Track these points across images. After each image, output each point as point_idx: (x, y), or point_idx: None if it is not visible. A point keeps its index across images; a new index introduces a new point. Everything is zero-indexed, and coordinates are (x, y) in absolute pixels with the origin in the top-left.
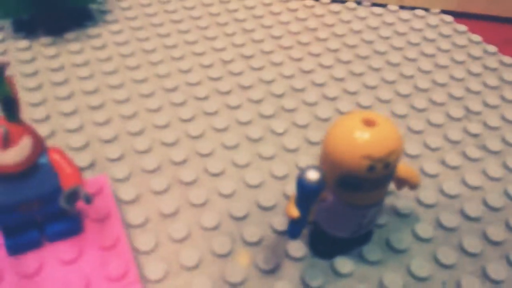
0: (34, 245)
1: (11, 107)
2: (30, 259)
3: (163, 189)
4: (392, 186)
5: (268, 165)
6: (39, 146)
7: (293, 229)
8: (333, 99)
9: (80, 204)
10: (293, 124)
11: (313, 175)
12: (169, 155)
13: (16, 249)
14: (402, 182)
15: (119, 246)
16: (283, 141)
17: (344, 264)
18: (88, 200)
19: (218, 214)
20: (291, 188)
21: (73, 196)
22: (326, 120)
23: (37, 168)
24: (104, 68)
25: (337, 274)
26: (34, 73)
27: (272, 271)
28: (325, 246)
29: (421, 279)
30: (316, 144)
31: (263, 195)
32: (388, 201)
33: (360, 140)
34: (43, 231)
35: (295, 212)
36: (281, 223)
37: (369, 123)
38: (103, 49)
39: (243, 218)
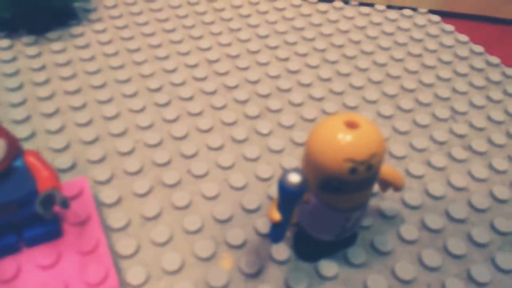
0: (11, 249)
1: None
2: (8, 264)
3: (145, 192)
4: (377, 187)
5: (253, 167)
6: (14, 148)
7: (275, 233)
8: (319, 99)
9: (58, 208)
10: (279, 124)
11: (294, 178)
12: (152, 156)
13: None
14: (386, 184)
15: (98, 251)
16: (268, 142)
17: (328, 267)
18: (65, 204)
19: (201, 217)
20: (275, 190)
21: (49, 200)
22: (311, 120)
23: (12, 171)
24: (87, 67)
25: (322, 277)
26: (15, 73)
27: (256, 275)
28: (309, 249)
29: (406, 282)
30: (301, 145)
31: (248, 197)
32: (373, 202)
33: (342, 142)
34: (21, 235)
35: (277, 216)
36: (265, 226)
37: (351, 125)
38: (86, 48)
39: (227, 220)
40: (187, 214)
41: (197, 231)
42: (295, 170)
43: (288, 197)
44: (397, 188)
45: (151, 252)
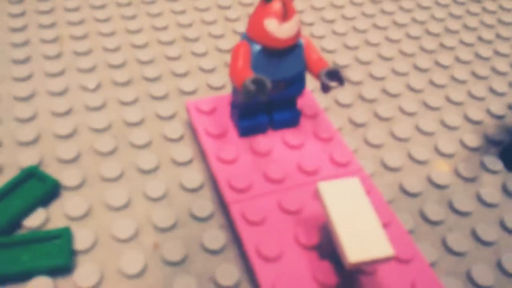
0: (263, 129)
1: None
2: (261, 141)
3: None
4: None
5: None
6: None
7: None
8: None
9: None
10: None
11: None
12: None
13: (248, 130)
14: None
15: (335, 139)
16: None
17: None
18: (342, 81)
19: None
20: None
21: (333, 74)
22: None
23: (295, 47)
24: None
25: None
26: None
27: None
28: None
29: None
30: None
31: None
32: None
33: None
34: (271, 118)
35: None
36: None
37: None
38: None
39: None
40: None
41: None
42: None
43: None
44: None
45: None
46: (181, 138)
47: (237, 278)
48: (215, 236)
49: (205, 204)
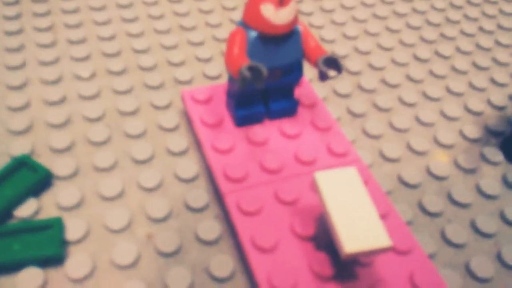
0: (259, 118)
1: None
2: (258, 130)
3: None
4: None
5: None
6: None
7: None
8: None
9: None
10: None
11: None
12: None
13: (244, 120)
14: None
15: (333, 129)
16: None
17: None
18: (340, 69)
19: None
20: None
21: (331, 62)
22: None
23: (292, 34)
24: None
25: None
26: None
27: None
28: None
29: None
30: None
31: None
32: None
33: None
34: (268, 107)
35: None
36: None
37: None
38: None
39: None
40: None
41: None
42: None
43: None
44: None
45: None
46: (176, 127)
47: (232, 269)
48: (210, 227)
49: (200, 195)
